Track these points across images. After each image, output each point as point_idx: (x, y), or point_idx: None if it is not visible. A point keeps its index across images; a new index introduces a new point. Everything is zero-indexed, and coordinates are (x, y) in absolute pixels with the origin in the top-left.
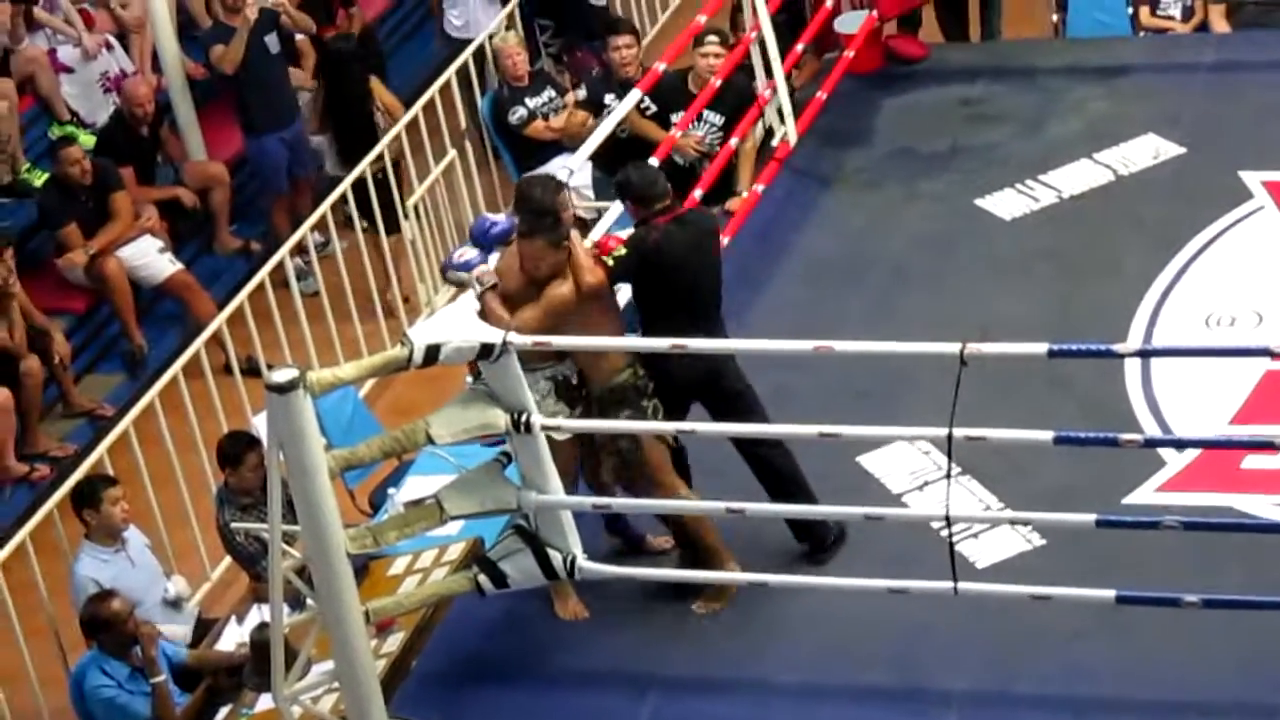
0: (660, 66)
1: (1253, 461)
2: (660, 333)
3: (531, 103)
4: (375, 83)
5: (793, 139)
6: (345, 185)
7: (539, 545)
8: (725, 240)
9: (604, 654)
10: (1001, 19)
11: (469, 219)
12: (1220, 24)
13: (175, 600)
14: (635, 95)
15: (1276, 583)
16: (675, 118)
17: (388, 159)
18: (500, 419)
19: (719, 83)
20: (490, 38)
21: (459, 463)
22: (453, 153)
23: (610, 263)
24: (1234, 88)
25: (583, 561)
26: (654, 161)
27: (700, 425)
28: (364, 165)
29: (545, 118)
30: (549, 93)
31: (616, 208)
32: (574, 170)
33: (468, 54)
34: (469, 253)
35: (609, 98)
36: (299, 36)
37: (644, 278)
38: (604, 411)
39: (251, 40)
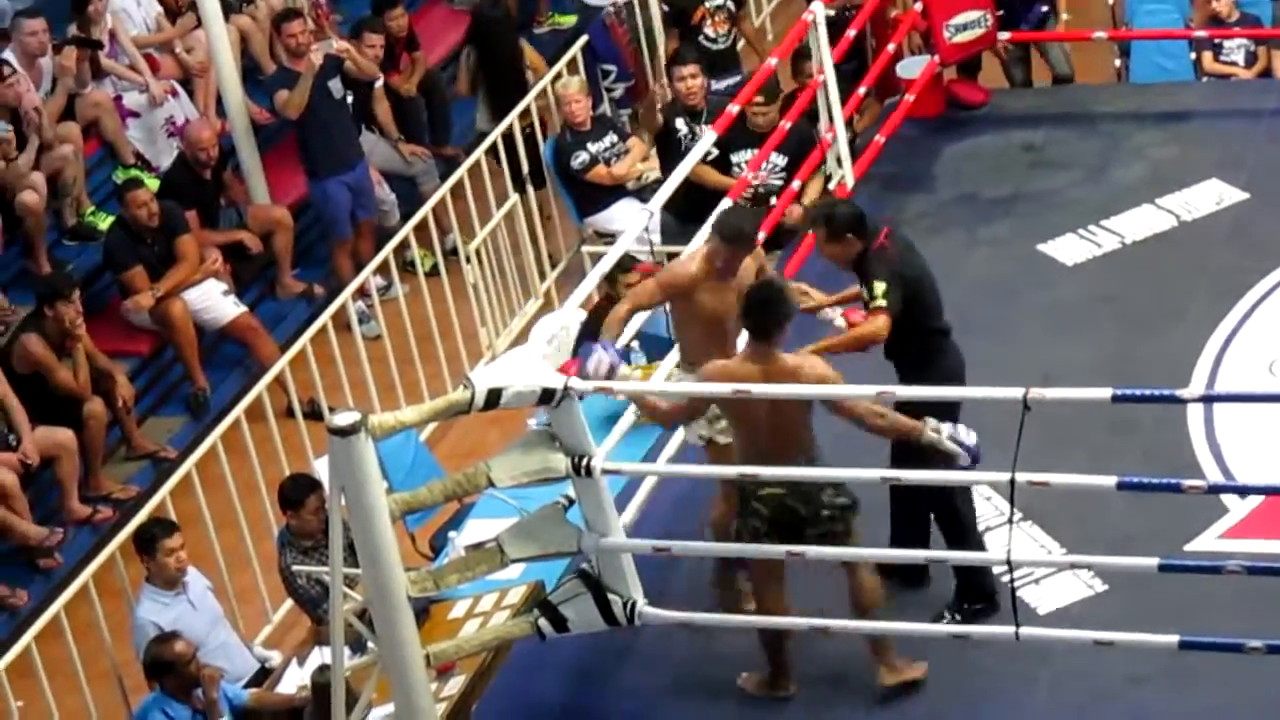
0: (734, 109)
1: None
2: (923, 347)
3: (594, 148)
4: (525, 45)
5: (850, 182)
6: (425, 207)
7: (600, 590)
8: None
9: (662, 697)
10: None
11: (530, 262)
12: None
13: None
14: (710, 138)
15: None
16: (736, 158)
17: (535, 114)
18: (561, 463)
19: (787, 125)
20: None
21: (520, 505)
22: (515, 196)
23: (883, 303)
24: None
25: (643, 607)
26: (727, 202)
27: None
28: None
29: (607, 163)
30: (611, 137)
31: (688, 250)
32: (653, 213)
33: (530, 99)
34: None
35: (679, 122)
36: (376, 84)
37: (910, 301)
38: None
39: (315, 85)
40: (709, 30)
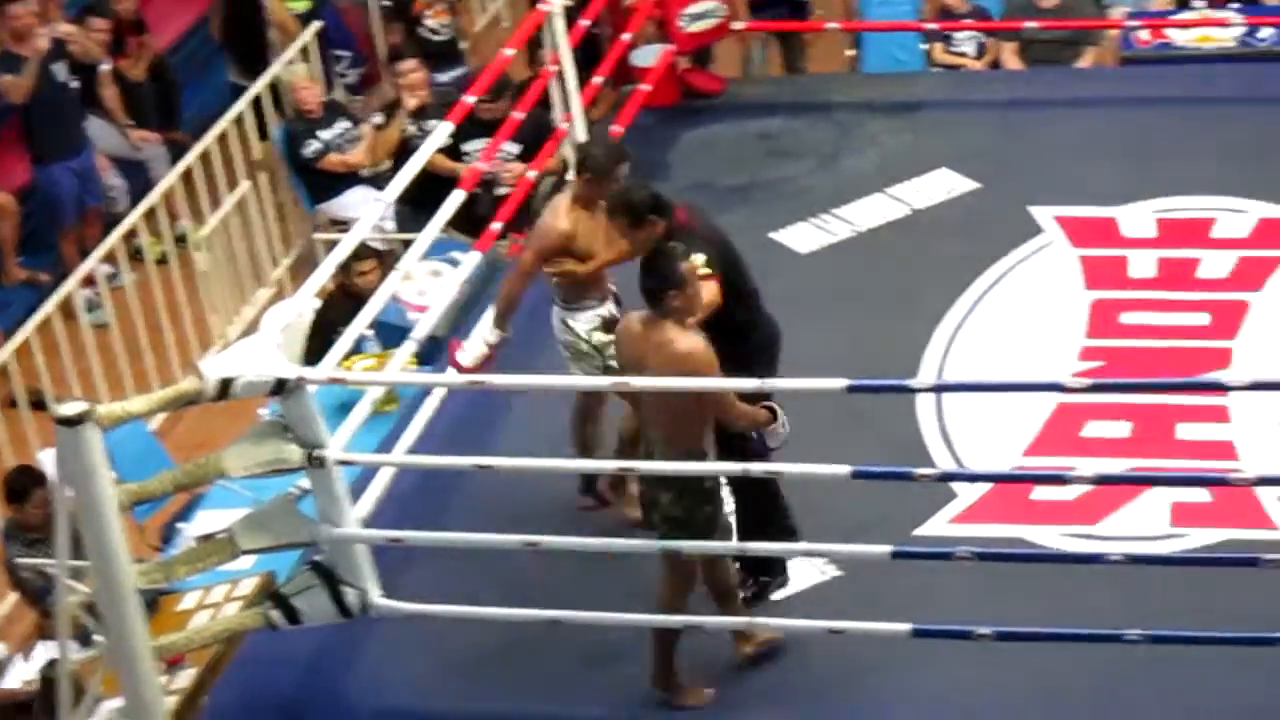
0: (470, 99)
1: (1043, 493)
2: (744, 311)
3: (325, 135)
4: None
5: None
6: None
7: (334, 581)
8: None
9: (398, 688)
10: (805, 54)
11: (262, 250)
12: (1012, 61)
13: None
14: (446, 129)
15: (1066, 613)
16: (467, 146)
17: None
18: (294, 453)
19: (520, 115)
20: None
21: (254, 495)
22: (246, 184)
23: (709, 270)
24: (1025, 124)
25: (377, 599)
26: (460, 193)
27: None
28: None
29: (340, 150)
30: (343, 124)
31: (422, 239)
32: (387, 203)
33: (259, 86)
34: None
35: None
36: (103, 68)
37: (727, 268)
38: None
39: (40, 70)
40: (430, 21)
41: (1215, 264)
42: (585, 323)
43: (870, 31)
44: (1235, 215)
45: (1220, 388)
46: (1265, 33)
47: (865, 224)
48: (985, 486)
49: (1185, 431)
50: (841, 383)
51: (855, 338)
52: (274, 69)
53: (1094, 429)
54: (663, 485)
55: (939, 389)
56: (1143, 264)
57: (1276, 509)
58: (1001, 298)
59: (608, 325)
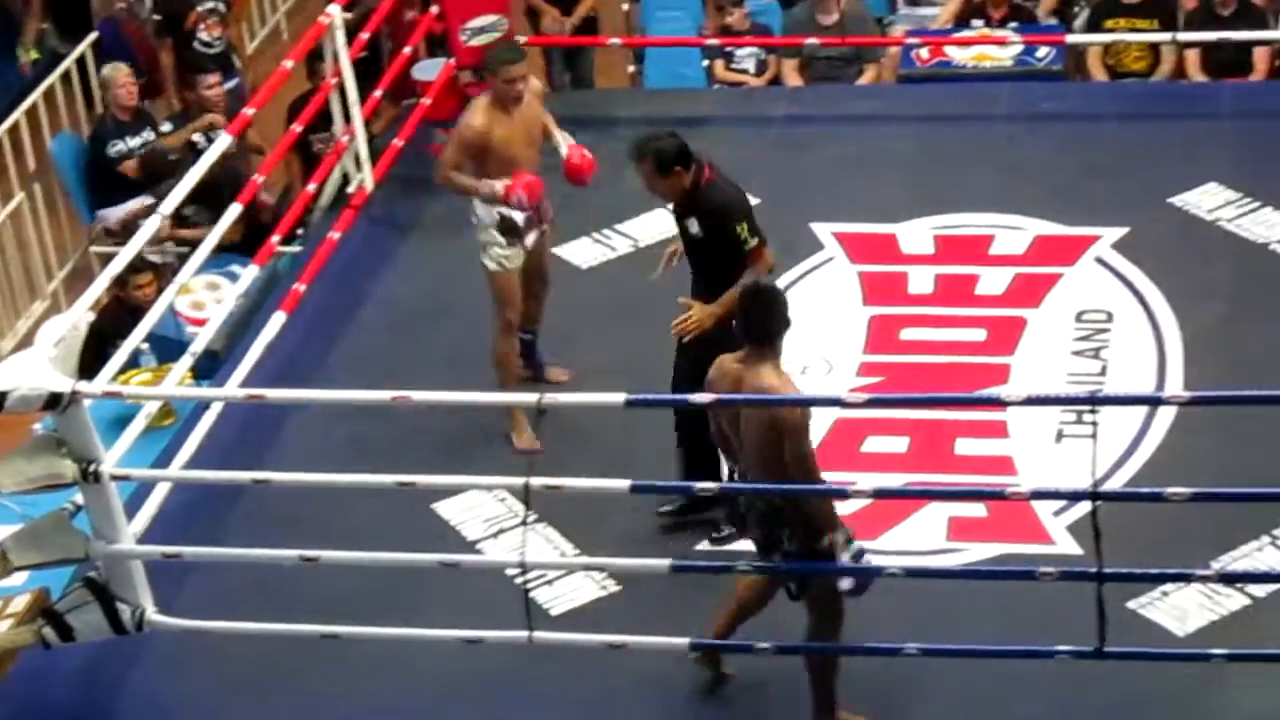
0: (249, 112)
1: None
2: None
3: (132, 141)
4: None
5: (369, 186)
6: None
7: (108, 598)
8: (301, 287)
9: (175, 705)
10: (592, 69)
11: (37, 262)
12: (793, 78)
13: None
14: (226, 140)
15: (846, 626)
16: None
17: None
18: (69, 469)
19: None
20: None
21: (25, 511)
22: (21, 194)
23: (756, 240)
24: (806, 140)
25: (152, 615)
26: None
27: None
28: None
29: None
30: (147, 133)
31: (200, 252)
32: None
33: (37, 94)
34: None
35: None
36: None
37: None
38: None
39: None
40: (203, 34)
41: (993, 281)
42: (486, 215)
43: (652, 47)
44: (1013, 233)
45: (998, 403)
46: (1042, 52)
47: (646, 239)
48: None
49: (964, 447)
50: (620, 397)
51: (636, 353)
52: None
53: (873, 444)
54: (779, 522)
55: (721, 402)
56: (921, 280)
57: (1053, 523)
58: (798, 313)
59: (502, 226)
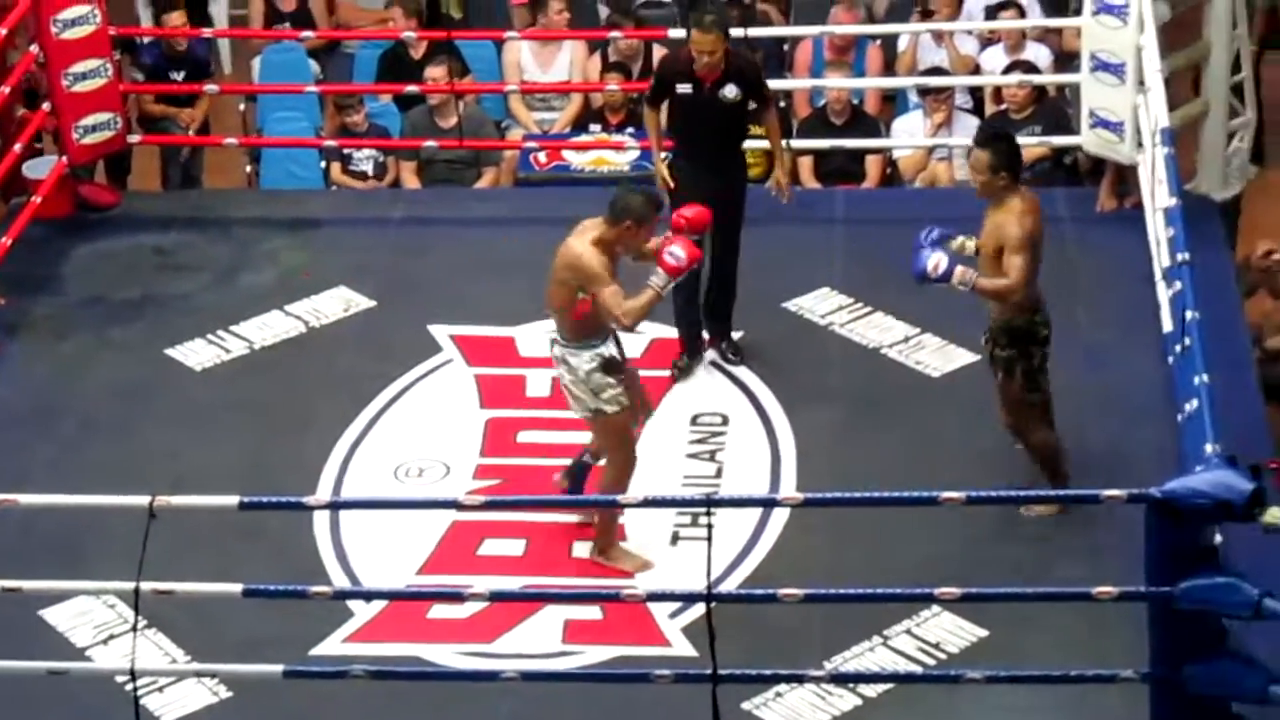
0: None
1: (439, 611)
2: None
3: None
4: None
5: None
6: None
7: None
8: None
9: None
10: (203, 168)
11: None
12: (411, 180)
13: None
14: None
15: None
16: None
17: None
18: None
19: None
20: None
21: None
22: None
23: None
24: (423, 242)
25: None
26: None
27: None
28: None
29: None
30: None
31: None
32: None
33: None
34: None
35: None
36: None
37: None
38: (993, 342)
39: None
40: None
41: None
42: (586, 362)
43: (269, 147)
44: (630, 335)
45: (612, 504)
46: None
47: (261, 340)
48: (382, 605)
49: (581, 549)
50: (234, 500)
51: (251, 455)
52: None
53: (490, 547)
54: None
55: (333, 506)
56: (539, 383)
57: (669, 625)
58: (399, 416)
59: (607, 365)
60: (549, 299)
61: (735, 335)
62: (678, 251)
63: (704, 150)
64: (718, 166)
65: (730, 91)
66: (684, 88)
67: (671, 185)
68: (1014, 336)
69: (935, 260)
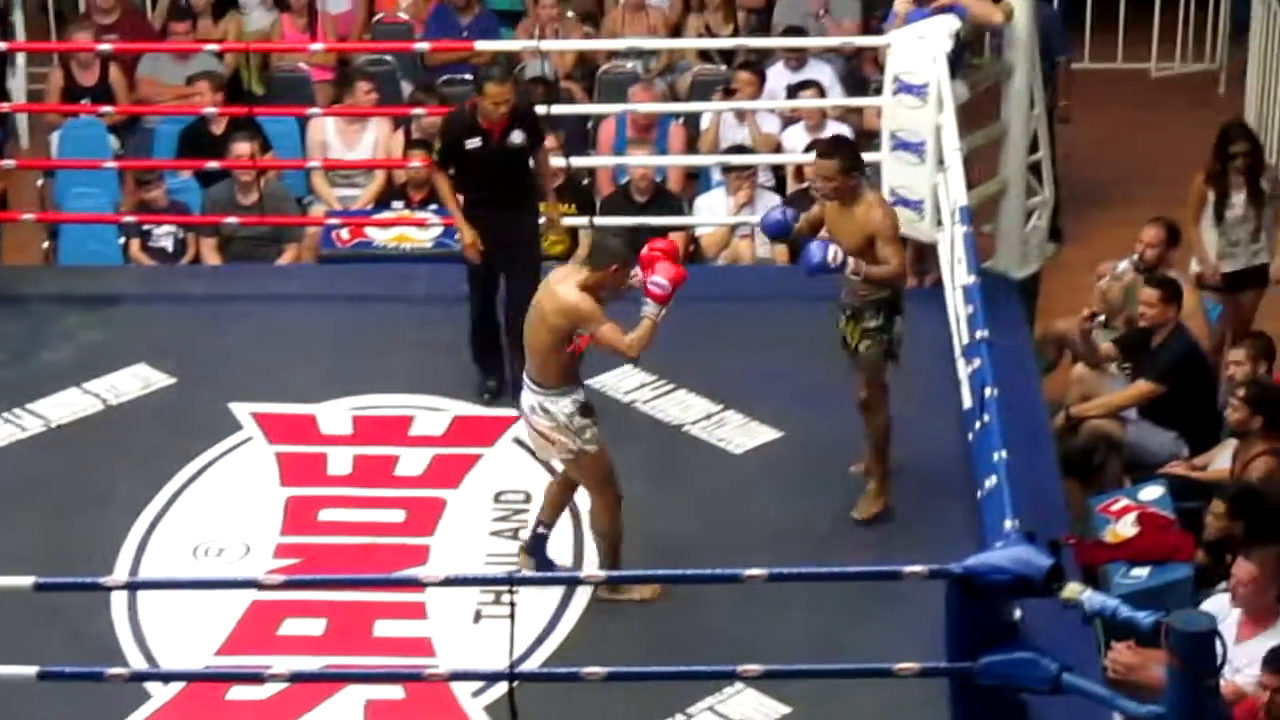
0: None
1: (239, 693)
2: None
3: None
4: None
5: None
6: None
7: None
8: None
9: None
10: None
11: None
12: (212, 256)
13: None
14: None
15: None
16: None
17: None
18: None
19: None
20: None
21: None
22: None
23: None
24: (224, 319)
25: None
26: None
27: None
28: None
29: None
30: None
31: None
32: None
33: None
34: None
35: None
36: None
37: None
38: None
39: None
40: None
41: (412, 461)
42: (566, 407)
43: (67, 223)
44: (432, 414)
45: (416, 584)
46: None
47: (58, 419)
48: (180, 686)
49: (383, 628)
50: (28, 581)
51: (47, 534)
52: None
53: (290, 626)
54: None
55: (130, 586)
56: (340, 461)
57: (471, 704)
58: (199, 494)
59: (584, 409)
60: (532, 347)
61: None
62: (660, 279)
63: (498, 196)
64: (512, 208)
65: (517, 138)
66: (473, 143)
67: (471, 239)
68: (880, 308)
69: (834, 251)
